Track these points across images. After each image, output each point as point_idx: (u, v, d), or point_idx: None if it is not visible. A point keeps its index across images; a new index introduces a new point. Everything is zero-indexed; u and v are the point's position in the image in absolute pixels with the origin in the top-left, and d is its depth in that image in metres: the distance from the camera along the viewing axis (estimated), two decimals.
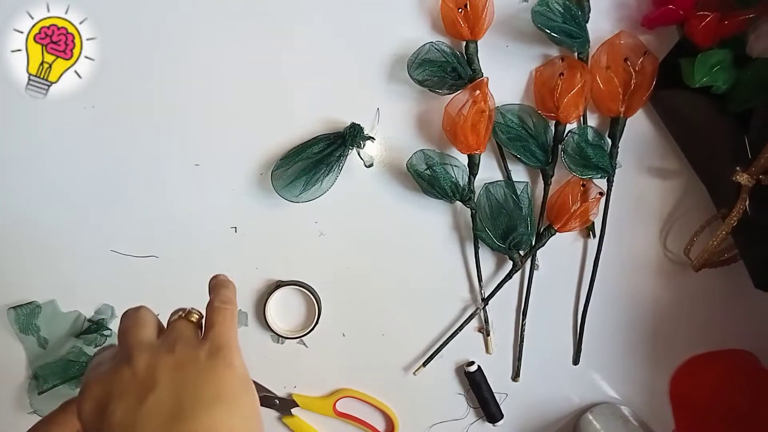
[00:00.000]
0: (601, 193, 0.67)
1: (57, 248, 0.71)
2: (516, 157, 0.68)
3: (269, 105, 0.69)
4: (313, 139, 0.68)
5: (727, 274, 0.69)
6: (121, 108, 0.69)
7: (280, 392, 0.74)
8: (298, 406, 0.74)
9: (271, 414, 0.74)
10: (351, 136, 0.66)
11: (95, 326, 0.72)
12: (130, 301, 0.71)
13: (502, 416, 0.74)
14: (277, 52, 0.68)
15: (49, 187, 0.70)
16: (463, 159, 0.67)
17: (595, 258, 0.70)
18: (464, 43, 0.66)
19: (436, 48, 0.65)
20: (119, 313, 0.71)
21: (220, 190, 0.70)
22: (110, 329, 0.72)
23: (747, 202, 0.62)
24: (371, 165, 0.68)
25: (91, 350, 0.72)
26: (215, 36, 0.68)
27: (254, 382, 0.71)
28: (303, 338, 0.73)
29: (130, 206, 0.70)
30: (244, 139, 0.69)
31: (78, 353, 0.72)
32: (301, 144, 0.68)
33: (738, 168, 0.60)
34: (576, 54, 0.66)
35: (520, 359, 0.73)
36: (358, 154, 0.67)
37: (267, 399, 0.73)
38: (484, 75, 0.66)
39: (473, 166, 0.67)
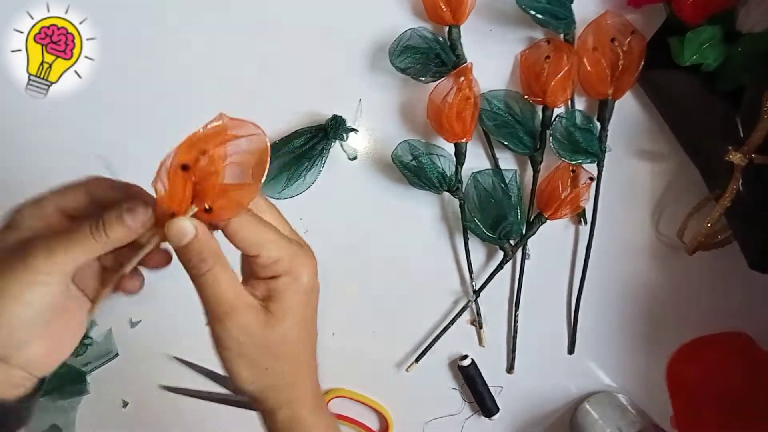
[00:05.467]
0: (591, 179, 0.66)
1: None
2: (503, 144, 0.66)
3: (248, 97, 0.67)
4: (293, 133, 0.66)
5: (722, 256, 0.68)
6: (120, 108, 0.68)
7: None
8: None
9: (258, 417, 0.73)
10: (333, 129, 0.64)
11: None
12: (111, 309, 0.70)
13: (498, 410, 0.73)
14: (255, 43, 0.67)
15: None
16: (450, 148, 0.66)
17: (588, 245, 0.69)
18: (447, 28, 0.64)
19: (417, 34, 0.64)
20: (99, 321, 0.70)
21: None
22: (91, 337, 0.70)
23: (740, 182, 0.61)
24: (355, 158, 0.66)
25: (72, 360, 0.70)
26: (214, 34, 0.68)
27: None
28: None
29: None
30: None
31: None
32: (281, 139, 0.67)
33: (730, 147, 0.59)
34: (562, 36, 0.65)
35: (514, 351, 0.72)
36: (341, 146, 0.65)
37: None
38: (468, 60, 0.64)
39: (460, 155, 0.66)
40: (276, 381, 0.42)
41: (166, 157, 0.36)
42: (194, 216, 0.37)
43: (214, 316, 0.39)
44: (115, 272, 0.40)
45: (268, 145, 0.38)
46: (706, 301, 0.72)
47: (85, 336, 0.70)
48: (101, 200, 0.39)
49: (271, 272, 0.40)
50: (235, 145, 0.37)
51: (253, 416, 0.72)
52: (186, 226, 0.37)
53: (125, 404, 0.72)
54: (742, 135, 0.61)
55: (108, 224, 0.37)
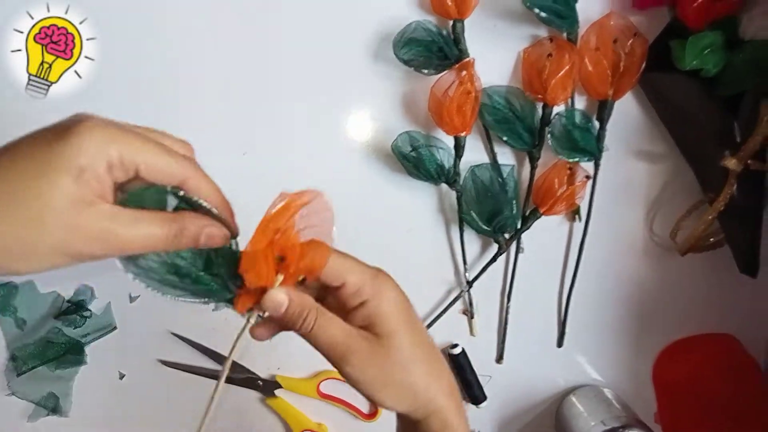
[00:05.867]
0: (587, 177, 0.67)
1: None
2: (502, 139, 0.67)
3: (253, 85, 0.68)
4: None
5: (713, 259, 0.69)
6: (120, 108, 0.67)
7: (264, 374, 0.74)
8: (281, 387, 0.73)
9: (254, 395, 0.74)
10: None
11: (74, 307, 0.71)
12: (110, 283, 0.71)
13: (485, 398, 0.74)
14: (259, 37, 0.67)
15: None
16: (449, 141, 0.66)
17: (581, 241, 0.70)
18: (451, 22, 0.64)
19: (422, 27, 0.64)
20: (99, 295, 0.71)
21: (202, 163, 0.68)
22: (90, 310, 0.71)
23: (735, 187, 0.61)
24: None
25: (70, 331, 0.71)
26: (213, 32, 0.67)
27: (236, 364, 0.72)
28: None
29: None
30: (227, 120, 0.68)
31: (57, 334, 0.71)
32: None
33: (727, 152, 0.60)
34: (565, 35, 0.65)
35: (504, 342, 0.73)
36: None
37: (250, 381, 0.73)
38: (471, 55, 0.64)
39: (459, 148, 0.66)
40: (417, 391, 0.42)
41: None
42: (284, 282, 0.40)
43: (338, 360, 0.41)
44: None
45: (328, 200, 0.42)
46: (696, 302, 0.73)
47: (85, 308, 0.71)
48: None
49: (359, 299, 0.42)
50: (302, 213, 0.41)
51: (246, 394, 0.74)
52: (279, 297, 0.40)
53: (122, 376, 0.73)
54: (738, 141, 0.61)
55: (188, 230, 0.38)
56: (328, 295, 0.44)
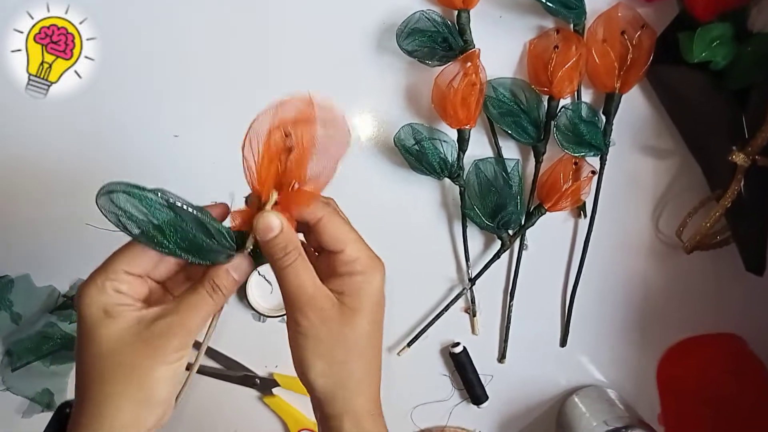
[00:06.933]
0: (593, 172, 0.66)
1: (31, 221, 0.69)
2: (507, 133, 0.66)
3: (255, 78, 0.67)
4: None
5: (719, 257, 0.68)
6: (120, 108, 0.68)
7: (261, 372, 0.73)
8: (279, 385, 0.73)
9: (251, 393, 0.73)
10: None
11: (70, 301, 0.70)
12: None
13: (486, 398, 0.73)
14: (262, 22, 0.67)
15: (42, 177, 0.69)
16: (453, 134, 0.66)
17: (586, 239, 0.69)
18: (456, 12, 0.64)
19: (426, 17, 0.63)
20: None
21: (203, 163, 0.68)
22: None
23: (742, 183, 0.61)
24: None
25: (66, 326, 0.70)
26: (213, 29, 0.67)
27: (234, 361, 0.71)
28: (285, 317, 0.71)
29: (106, 180, 0.68)
30: (227, 112, 0.67)
31: (53, 329, 0.70)
32: None
33: (734, 147, 0.59)
34: (572, 26, 0.64)
35: (506, 341, 0.72)
36: None
37: (247, 378, 0.72)
38: (476, 46, 0.64)
39: (463, 142, 0.65)
40: (346, 379, 0.42)
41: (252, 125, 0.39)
42: (276, 204, 0.40)
43: (295, 305, 0.41)
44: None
45: (349, 130, 0.41)
46: (701, 302, 0.72)
47: None
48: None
49: (349, 269, 0.41)
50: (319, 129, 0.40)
51: (244, 392, 0.73)
52: (273, 221, 0.39)
53: None
54: (747, 136, 0.60)
55: (222, 285, 0.40)
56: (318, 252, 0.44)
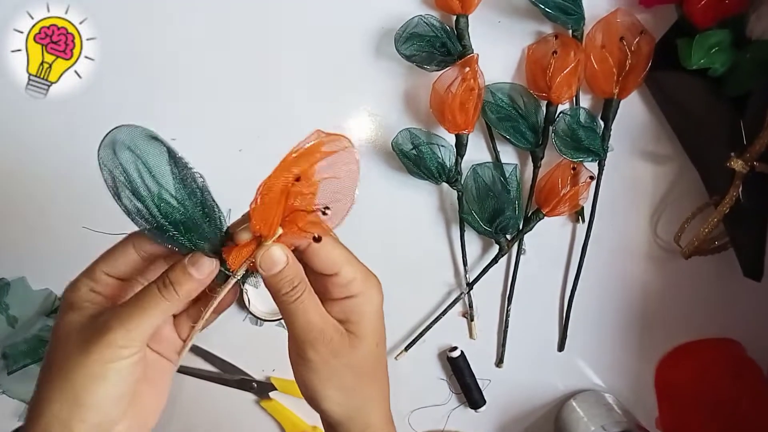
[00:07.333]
0: (591, 177, 0.66)
1: (27, 224, 0.69)
2: (505, 138, 0.66)
3: (253, 81, 0.67)
4: None
5: (717, 262, 0.68)
6: (120, 108, 0.68)
7: (258, 375, 0.73)
8: (276, 389, 0.72)
9: (248, 397, 0.73)
10: None
11: None
12: None
13: (484, 402, 0.73)
14: (262, 26, 0.67)
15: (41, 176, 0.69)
16: (451, 139, 0.66)
17: (584, 244, 0.69)
18: (455, 17, 0.64)
19: (425, 22, 0.63)
20: None
21: (202, 165, 0.68)
22: None
23: (740, 189, 0.61)
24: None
25: None
26: (213, 31, 0.67)
27: (230, 365, 0.71)
28: (282, 321, 0.71)
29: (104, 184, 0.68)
30: (227, 117, 0.68)
31: (49, 332, 0.70)
32: None
33: (732, 154, 0.59)
34: (570, 32, 0.64)
35: (504, 345, 0.72)
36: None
37: (244, 382, 0.72)
38: (475, 51, 0.64)
39: (461, 147, 0.65)
40: (361, 402, 0.41)
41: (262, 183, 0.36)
42: (279, 239, 0.37)
43: (305, 340, 0.39)
44: (195, 319, 0.40)
45: (358, 158, 0.39)
46: (699, 307, 0.72)
47: None
48: (153, 254, 0.39)
49: (346, 292, 0.40)
50: (329, 161, 0.38)
51: (241, 395, 0.72)
52: (279, 255, 0.37)
53: None
54: (745, 142, 0.60)
55: (176, 282, 0.36)
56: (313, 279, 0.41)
